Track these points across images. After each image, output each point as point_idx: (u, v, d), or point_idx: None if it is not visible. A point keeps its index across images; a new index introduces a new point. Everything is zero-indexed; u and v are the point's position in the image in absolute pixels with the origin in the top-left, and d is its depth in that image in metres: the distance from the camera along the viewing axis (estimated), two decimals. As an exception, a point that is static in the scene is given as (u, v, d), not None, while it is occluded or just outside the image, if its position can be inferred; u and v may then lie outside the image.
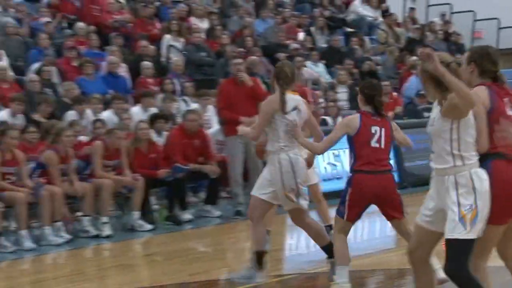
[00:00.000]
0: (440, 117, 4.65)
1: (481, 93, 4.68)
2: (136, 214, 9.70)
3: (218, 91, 10.68)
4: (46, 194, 8.84)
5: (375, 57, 16.94)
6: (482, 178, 4.61)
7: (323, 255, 8.39)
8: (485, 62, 4.80)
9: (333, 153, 12.12)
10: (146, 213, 9.88)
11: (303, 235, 9.86)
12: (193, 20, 15.83)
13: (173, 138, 10.45)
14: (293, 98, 6.43)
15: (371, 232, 10.10)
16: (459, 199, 4.58)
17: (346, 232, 6.35)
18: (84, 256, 8.89)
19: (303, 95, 9.05)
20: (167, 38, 14.47)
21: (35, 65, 12.05)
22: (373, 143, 6.07)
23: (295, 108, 6.40)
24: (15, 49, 12.81)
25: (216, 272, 7.75)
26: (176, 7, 15.90)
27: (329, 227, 8.34)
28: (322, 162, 11.88)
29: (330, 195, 8.71)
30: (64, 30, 14.30)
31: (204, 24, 15.89)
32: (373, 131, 6.08)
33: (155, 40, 14.63)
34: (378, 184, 6.08)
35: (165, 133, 10.87)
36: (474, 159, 4.63)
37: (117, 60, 12.86)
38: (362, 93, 6.22)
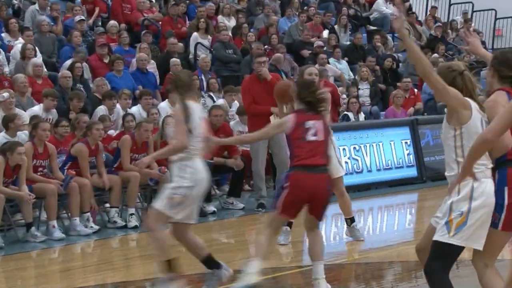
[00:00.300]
0: (445, 123, 4.57)
1: (500, 98, 4.57)
2: (162, 206, 9.67)
3: (242, 88, 10.64)
4: (75, 186, 8.86)
5: (397, 55, 16.80)
6: (485, 191, 4.45)
7: (343, 246, 8.39)
8: (503, 67, 4.70)
9: (354, 148, 12.03)
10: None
11: (323, 227, 9.84)
12: (220, 18, 15.82)
13: (199, 133, 10.41)
14: (198, 107, 6.17)
15: (390, 225, 10.01)
16: (453, 204, 4.49)
17: (275, 228, 6.21)
18: (111, 246, 8.90)
19: (334, 93, 8.97)
20: (195, 36, 14.47)
21: (68, 62, 12.10)
22: (310, 137, 5.97)
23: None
24: (48, 46, 12.91)
25: (238, 262, 7.70)
26: (204, 5, 15.90)
27: (350, 220, 8.27)
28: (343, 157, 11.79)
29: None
30: (96, 28, 14.36)
31: (231, 22, 15.88)
32: (307, 126, 5.99)
33: (183, 38, 14.65)
34: (316, 182, 5.97)
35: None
36: (480, 167, 4.45)
37: (146, 57, 12.89)
38: (297, 92, 6.16)
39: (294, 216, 6.33)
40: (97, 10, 14.70)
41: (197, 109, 6.12)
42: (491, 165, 4.55)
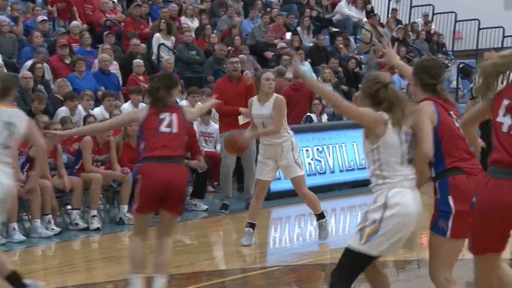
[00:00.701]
0: (363, 137, 4.61)
1: (427, 108, 4.60)
2: (125, 207, 9.59)
3: (214, 89, 10.67)
4: (36, 187, 8.72)
5: (359, 56, 16.90)
6: (400, 201, 4.45)
7: (305, 247, 8.40)
8: (424, 75, 4.71)
9: (317, 149, 12.06)
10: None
11: (286, 228, 9.85)
12: (183, 19, 15.76)
13: (162, 134, 10.35)
14: (7, 112, 5.70)
15: (352, 225, 10.02)
16: (368, 213, 4.52)
17: (143, 233, 5.84)
18: (73, 248, 8.79)
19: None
20: (158, 37, 14.39)
21: (28, 63, 11.93)
22: (163, 128, 5.73)
23: (8, 123, 5.65)
24: (8, 47, 12.72)
25: (200, 264, 7.67)
26: (167, 6, 15.81)
27: (318, 216, 8.23)
28: (306, 158, 11.81)
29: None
30: (57, 28, 14.19)
31: (194, 23, 15.82)
32: (161, 117, 5.75)
33: (146, 39, 14.55)
34: (168, 173, 5.63)
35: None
36: (397, 178, 4.50)
37: (109, 58, 12.78)
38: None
39: (151, 211, 5.89)
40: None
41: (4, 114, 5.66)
42: (412, 177, 4.53)
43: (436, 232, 4.59)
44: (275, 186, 10.68)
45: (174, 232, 5.77)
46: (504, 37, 19.98)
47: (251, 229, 8.11)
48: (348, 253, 4.53)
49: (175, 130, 5.74)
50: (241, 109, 9.86)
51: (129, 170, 9.54)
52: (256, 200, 8.10)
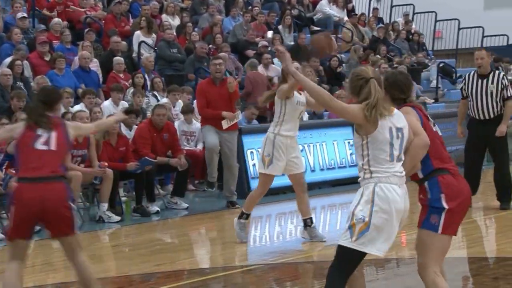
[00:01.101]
0: (354, 132, 4.62)
1: (411, 111, 4.73)
2: (104, 205, 9.54)
3: (197, 90, 10.56)
4: (15, 185, 8.63)
5: (340, 55, 16.92)
6: (386, 196, 4.46)
7: (285, 246, 8.39)
8: (393, 89, 4.79)
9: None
10: (114, 205, 9.77)
11: (267, 226, 9.84)
12: (165, 17, 15.71)
13: (142, 132, 10.33)
14: None
15: (333, 224, 10.05)
16: (356, 209, 4.51)
17: (19, 259, 5.32)
18: (52, 247, 8.70)
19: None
20: (138, 34, 14.33)
21: (7, 59, 11.84)
22: (39, 145, 5.32)
23: None
24: (-13, 43, 12.62)
25: (180, 262, 7.65)
26: (148, 4, 15.75)
27: (310, 220, 8.15)
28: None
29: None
30: (37, 25, 14.09)
31: (175, 21, 15.77)
32: (38, 133, 5.36)
33: (127, 36, 14.49)
34: (42, 194, 5.18)
35: (135, 127, 10.75)
36: (384, 173, 4.50)
37: (89, 55, 12.71)
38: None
39: (25, 236, 5.33)
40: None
41: None
42: (400, 174, 4.54)
43: (427, 228, 4.70)
44: (255, 184, 10.65)
45: (81, 246, 5.42)
46: (483, 37, 20.12)
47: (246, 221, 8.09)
48: (341, 251, 4.53)
49: (53, 147, 5.33)
50: (224, 113, 9.79)
51: (106, 163, 9.49)
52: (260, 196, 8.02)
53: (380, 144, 4.51)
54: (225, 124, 9.80)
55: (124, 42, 14.00)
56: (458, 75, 18.05)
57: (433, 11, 20.82)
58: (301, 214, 8.11)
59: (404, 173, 4.58)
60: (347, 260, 4.52)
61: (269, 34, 16.57)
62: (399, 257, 7.29)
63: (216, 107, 9.87)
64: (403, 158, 4.60)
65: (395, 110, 4.63)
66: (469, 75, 9.72)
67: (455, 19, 20.56)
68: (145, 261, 7.58)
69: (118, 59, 12.85)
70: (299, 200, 8.03)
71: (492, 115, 9.51)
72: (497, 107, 9.50)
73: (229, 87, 9.91)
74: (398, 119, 4.59)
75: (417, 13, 21.22)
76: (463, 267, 7.10)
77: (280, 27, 17.13)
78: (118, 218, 9.59)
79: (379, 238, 4.46)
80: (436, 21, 20.96)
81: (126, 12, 15.31)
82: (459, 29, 20.64)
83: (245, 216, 8.07)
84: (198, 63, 13.98)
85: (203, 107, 10.13)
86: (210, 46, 14.66)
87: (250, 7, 17.52)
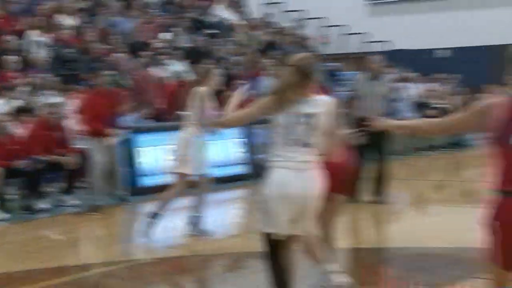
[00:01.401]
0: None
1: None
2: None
3: (83, 102, 10.32)
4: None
5: (233, 58, 17.11)
6: (274, 181, 4.61)
7: (171, 240, 8.47)
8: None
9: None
10: (3, 202, 9.61)
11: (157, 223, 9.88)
12: (62, 16, 15.48)
13: (33, 130, 10.22)
14: None
15: (219, 219, 10.22)
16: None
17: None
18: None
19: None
20: (32, 34, 14.08)
21: None
22: None
23: None
24: None
25: (66, 258, 7.63)
26: (45, 3, 15.48)
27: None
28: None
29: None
30: None
31: (72, 21, 15.57)
32: None
33: (22, 35, 14.19)
34: None
35: (27, 126, 10.58)
36: (280, 158, 4.63)
37: (-20, 53, 12.41)
38: None
39: None
40: None
41: None
42: (301, 158, 4.57)
43: None
44: (144, 182, 10.72)
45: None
46: (370, 42, 20.79)
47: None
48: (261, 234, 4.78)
49: None
50: (110, 131, 9.72)
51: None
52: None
53: (279, 128, 4.62)
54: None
55: (17, 41, 13.72)
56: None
57: (323, 17, 21.35)
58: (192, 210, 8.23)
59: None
60: (263, 242, 4.78)
61: (167, 35, 16.59)
62: (248, 252, 7.47)
63: (103, 119, 9.82)
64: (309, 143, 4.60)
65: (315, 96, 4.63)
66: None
67: (343, 25, 21.18)
68: (31, 257, 7.52)
69: (10, 58, 12.60)
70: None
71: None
72: None
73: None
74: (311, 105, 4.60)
75: (308, 18, 21.69)
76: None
77: (176, 29, 17.17)
78: (6, 215, 9.44)
79: (270, 219, 4.65)
80: (325, 26, 21.49)
81: (22, 11, 15.00)
82: (348, 34, 21.27)
83: (156, 215, 8.13)
84: (93, 63, 13.87)
85: (87, 120, 10.08)
86: (107, 46, 14.56)
87: (147, 9, 17.49)
